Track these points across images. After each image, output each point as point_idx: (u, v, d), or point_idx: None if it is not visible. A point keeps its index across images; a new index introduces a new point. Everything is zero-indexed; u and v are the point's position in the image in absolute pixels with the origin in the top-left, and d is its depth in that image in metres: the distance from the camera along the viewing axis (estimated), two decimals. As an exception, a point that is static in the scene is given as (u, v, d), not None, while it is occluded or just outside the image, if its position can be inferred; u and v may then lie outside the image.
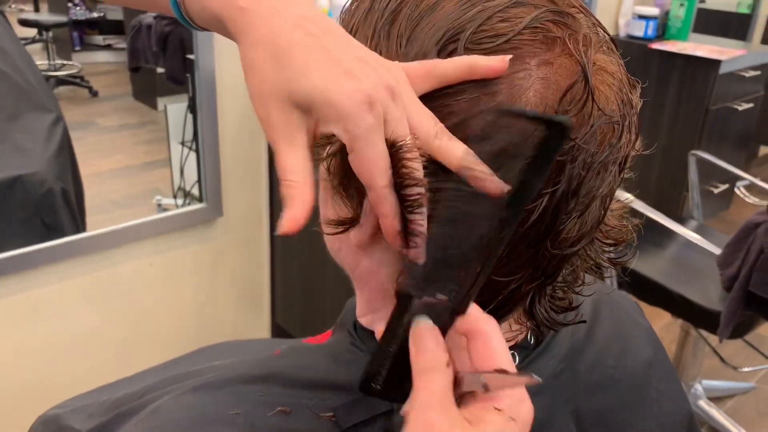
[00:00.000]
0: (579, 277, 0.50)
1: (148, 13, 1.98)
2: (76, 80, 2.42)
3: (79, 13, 2.41)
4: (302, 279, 2.03)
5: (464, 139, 0.39)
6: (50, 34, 2.41)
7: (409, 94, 0.39)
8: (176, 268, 1.91)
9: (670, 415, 0.63)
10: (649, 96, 2.75)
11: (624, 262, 0.52)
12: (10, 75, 1.69)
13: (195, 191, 1.96)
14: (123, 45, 2.29)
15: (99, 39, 2.49)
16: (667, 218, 1.97)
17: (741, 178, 2.47)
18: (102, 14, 2.40)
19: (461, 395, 0.37)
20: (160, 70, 2.11)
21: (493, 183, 0.39)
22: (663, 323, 2.53)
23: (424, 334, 0.38)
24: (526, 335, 0.54)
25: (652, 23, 2.80)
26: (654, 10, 2.81)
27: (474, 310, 0.39)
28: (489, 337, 0.37)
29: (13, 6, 2.29)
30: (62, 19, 2.44)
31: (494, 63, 0.39)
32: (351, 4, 0.47)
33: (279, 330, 2.19)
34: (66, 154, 1.78)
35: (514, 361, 0.52)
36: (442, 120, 0.39)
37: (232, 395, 0.51)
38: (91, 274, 1.73)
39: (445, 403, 0.36)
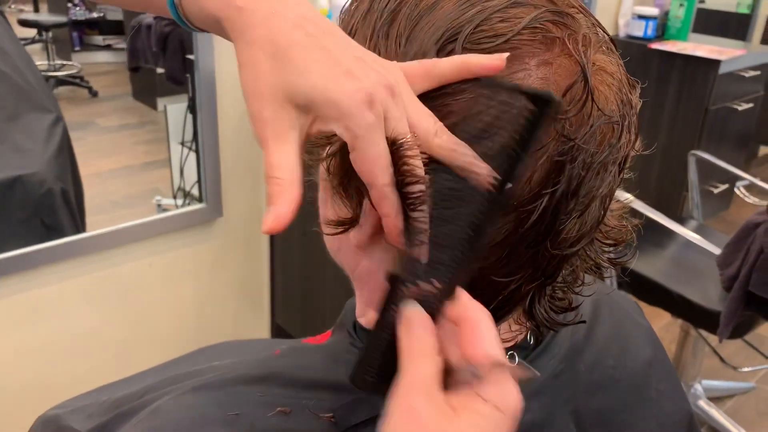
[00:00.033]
0: (579, 277, 0.50)
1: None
2: (75, 80, 2.43)
3: (79, 13, 2.41)
4: (302, 279, 2.03)
5: (464, 138, 0.39)
6: (50, 34, 2.41)
7: (408, 93, 0.39)
8: (176, 268, 1.91)
9: (670, 415, 0.63)
10: (649, 96, 2.76)
11: (624, 262, 0.52)
12: (10, 75, 1.69)
13: (195, 191, 1.96)
14: (123, 45, 2.29)
15: (99, 39, 2.49)
16: (667, 218, 1.97)
17: (741, 178, 2.47)
18: (102, 14, 2.40)
19: (450, 384, 0.37)
20: (159, 70, 2.11)
21: (493, 182, 0.39)
22: (663, 323, 2.53)
23: (412, 320, 0.38)
24: (526, 335, 0.54)
25: (651, 23, 2.80)
26: (654, 10, 2.81)
27: (464, 297, 0.38)
28: (477, 323, 0.37)
29: (12, 6, 2.29)
30: (62, 19, 2.44)
31: (491, 61, 0.39)
32: (350, 4, 0.47)
33: (279, 330, 2.19)
34: (66, 154, 1.78)
35: (514, 361, 0.52)
36: (441, 119, 0.40)
37: (231, 395, 0.51)
38: (90, 275, 1.73)
39: (430, 389, 0.36)
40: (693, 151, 2.47)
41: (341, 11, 0.48)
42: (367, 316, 0.46)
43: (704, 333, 2.05)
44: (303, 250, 1.98)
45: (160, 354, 1.10)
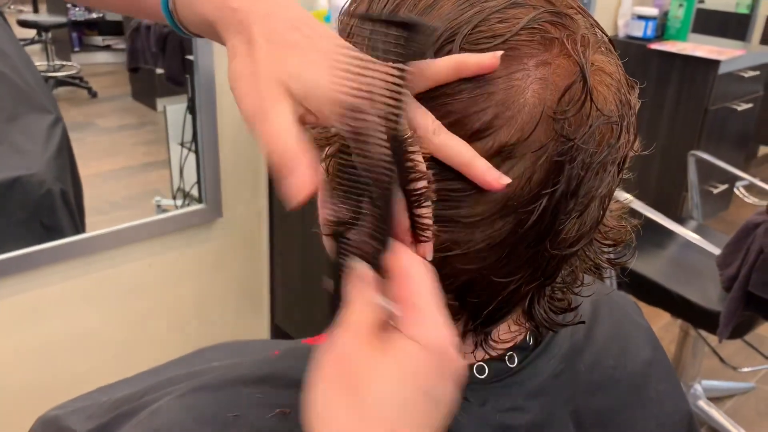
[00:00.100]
0: (578, 277, 0.50)
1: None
2: (75, 81, 2.43)
3: (78, 13, 2.42)
4: (301, 280, 2.03)
5: (463, 137, 0.40)
6: (49, 34, 2.41)
7: (405, 93, 0.39)
8: (176, 269, 1.91)
9: (670, 416, 0.63)
10: (649, 96, 2.76)
11: (623, 263, 0.52)
12: (9, 76, 1.69)
13: (194, 192, 1.96)
14: (122, 46, 2.29)
15: (98, 40, 2.49)
16: (667, 218, 1.97)
17: (740, 178, 2.48)
18: (101, 15, 2.41)
19: (389, 331, 0.38)
20: (159, 70, 2.11)
21: (492, 177, 0.39)
22: (662, 323, 2.53)
23: (352, 273, 0.38)
24: (526, 336, 0.54)
25: (651, 23, 2.80)
26: (653, 11, 2.81)
27: (400, 249, 0.39)
28: (407, 270, 0.38)
29: (12, 7, 2.29)
30: (61, 19, 2.44)
31: (486, 59, 0.39)
32: (349, 5, 0.47)
33: (278, 331, 2.19)
34: (65, 155, 1.78)
35: (513, 362, 0.52)
36: (440, 119, 0.40)
37: (231, 396, 0.51)
38: (90, 275, 1.73)
39: (360, 332, 0.36)
40: (692, 152, 2.47)
41: (340, 12, 0.48)
42: None
43: (704, 333, 2.05)
44: (303, 250, 1.98)
45: (160, 354, 1.10)
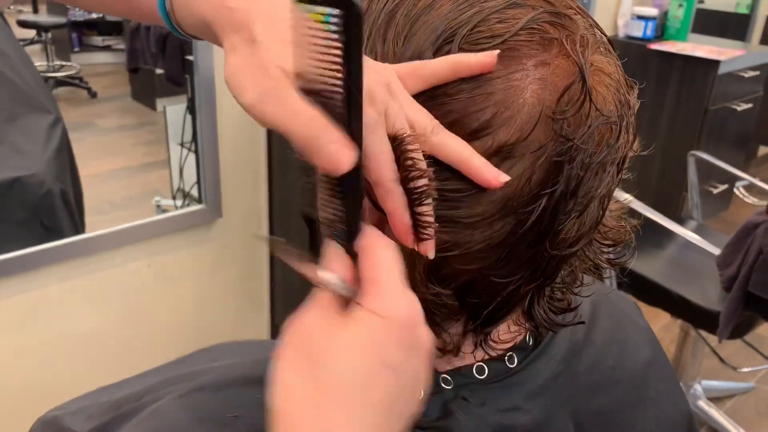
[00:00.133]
0: (578, 277, 0.50)
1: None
2: (75, 81, 2.43)
3: (78, 14, 2.42)
4: (301, 280, 2.03)
5: (462, 137, 0.40)
6: (49, 35, 2.41)
7: (403, 92, 0.39)
8: (175, 269, 1.91)
9: (670, 416, 0.63)
10: (648, 96, 2.76)
11: (622, 263, 0.52)
12: (9, 76, 1.69)
13: (194, 192, 1.96)
14: (122, 46, 2.29)
15: (98, 40, 2.49)
16: (667, 218, 1.98)
17: (740, 179, 2.48)
18: (101, 15, 2.40)
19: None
20: (159, 71, 2.11)
21: (491, 174, 0.39)
22: (662, 323, 2.53)
23: (323, 254, 0.39)
24: (525, 336, 0.54)
25: (650, 24, 2.80)
26: (653, 11, 2.81)
27: (369, 230, 0.39)
28: (373, 249, 0.38)
29: (11, 7, 2.29)
30: (61, 20, 2.44)
31: (482, 59, 0.39)
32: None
33: (278, 331, 2.19)
34: (65, 155, 1.78)
35: (513, 362, 0.52)
36: (439, 118, 0.40)
37: (231, 397, 0.51)
38: (90, 276, 1.73)
39: (324, 306, 0.37)
40: (692, 152, 2.47)
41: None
42: None
43: (704, 333, 2.05)
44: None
45: (160, 354, 1.10)
